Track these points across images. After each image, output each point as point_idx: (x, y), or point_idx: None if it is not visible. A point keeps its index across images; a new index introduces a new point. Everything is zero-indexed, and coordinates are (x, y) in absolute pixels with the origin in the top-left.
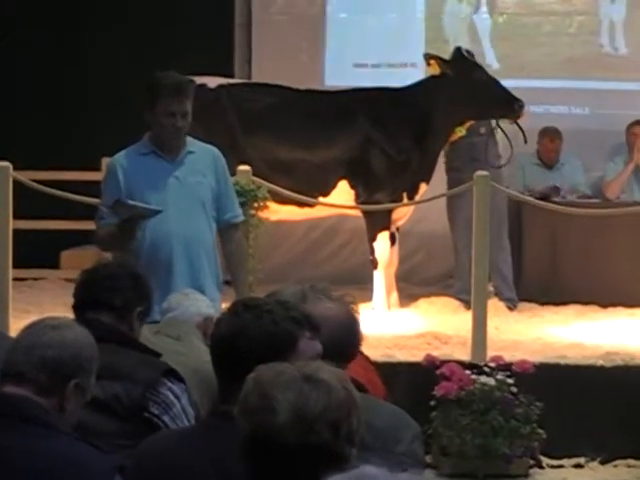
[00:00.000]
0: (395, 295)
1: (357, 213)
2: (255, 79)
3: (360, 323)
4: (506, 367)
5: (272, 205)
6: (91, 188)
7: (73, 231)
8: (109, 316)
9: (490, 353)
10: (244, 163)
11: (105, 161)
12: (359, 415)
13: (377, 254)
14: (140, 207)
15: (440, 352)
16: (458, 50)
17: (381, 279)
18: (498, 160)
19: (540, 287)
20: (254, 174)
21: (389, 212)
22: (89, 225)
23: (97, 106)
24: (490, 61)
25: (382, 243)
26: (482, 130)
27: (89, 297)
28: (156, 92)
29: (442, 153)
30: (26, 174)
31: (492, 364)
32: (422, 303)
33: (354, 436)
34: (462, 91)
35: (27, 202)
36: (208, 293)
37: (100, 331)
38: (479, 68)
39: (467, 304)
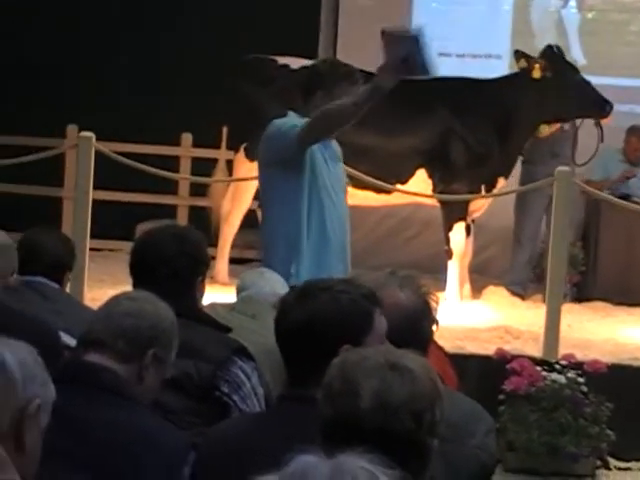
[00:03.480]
0: (468, 287)
1: (433, 203)
2: None
3: (434, 312)
4: (578, 366)
5: (350, 189)
6: (167, 162)
7: (149, 204)
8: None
9: (562, 351)
10: None
11: (186, 137)
12: (442, 406)
13: (452, 244)
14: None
15: (511, 346)
16: (550, 48)
17: (455, 270)
18: (576, 157)
19: (615, 287)
20: None
21: (466, 203)
22: (165, 199)
23: (177, 81)
24: (577, 57)
25: (458, 234)
26: (566, 127)
27: (144, 271)
28: (347, 76)
29: None
30: (106, 145)
31: (564, 362)
32: (495, 296)
33: (436, 427)
34: (554, 92)
35: (105, 173)
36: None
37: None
38: (572, 68)
39: (519, 296)
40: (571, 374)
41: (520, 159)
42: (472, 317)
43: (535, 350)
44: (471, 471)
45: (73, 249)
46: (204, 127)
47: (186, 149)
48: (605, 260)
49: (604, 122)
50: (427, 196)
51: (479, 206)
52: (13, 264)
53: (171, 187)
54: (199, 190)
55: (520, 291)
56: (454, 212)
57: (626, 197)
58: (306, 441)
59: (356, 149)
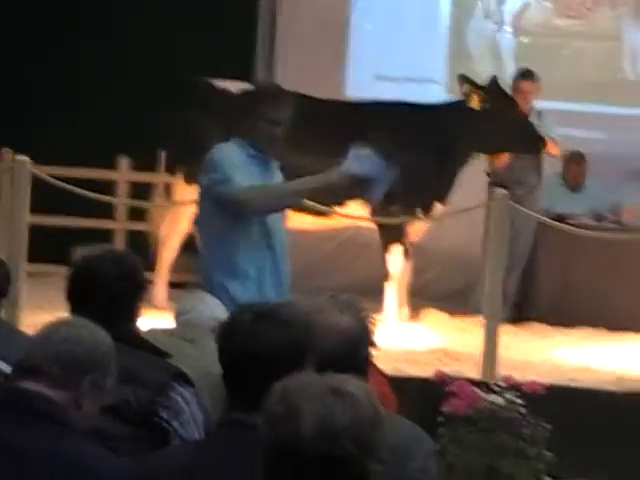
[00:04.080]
0: (406, 309)
1: (372, 226)
2: None
3: (373, 334)
4: (516, 387)
5: (290, 213)
6: (104, 186)
7: (86, 228)
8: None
9: (500, 372)
10: None
11: (123, 161)
12: (383, 430)
13: (390, 267)
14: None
15: (450, 369)
16: (495, 81)
17: (393, 292)
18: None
19: (551, 307)
20: None
21: (403, 226)
22: (102, 223)
23: (114, 106)
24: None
25: (396, 256)
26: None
27: (83, 296)
28: (260, 100)
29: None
30: (42, 169)
31: (502, 383)
32: (433, 319)
33: (378, 451)
34: (492, 124)
35: (40, 197)
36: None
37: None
38: (515, 103)
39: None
40: (509, 395)
41: (488, 181)
42: (411, 340)
43: (474, 372)
44: None
45: (8, 274)
46: (141, 151)
47: (123, 173)
48: (542, 281)
49: (554, 153)
50: (365, 219)
51: (417, 229)
52: None
53: (108, 211)
54: (137, 214)
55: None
56: (391, 235)
57: (561, 219)
58: (249, 469)
59: (295, 171)
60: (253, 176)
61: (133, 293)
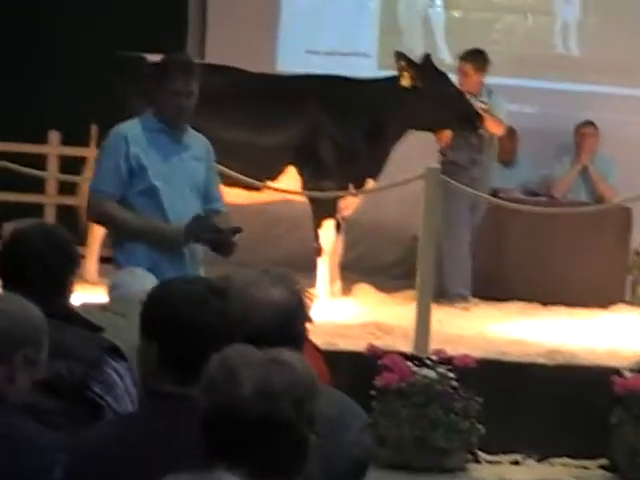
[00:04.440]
0: (338, 284)
1: (304, 200)
2: (208, 59)
3: (308, 308)
4: (448, 361)
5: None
6: (34, 160)
7: (16, 203)
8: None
9: (432, 346)
10: None
11: (53, 135)
12: (320, 402)
13: (322, 241)
14: (218, 232)
15: (382, 342)
16: (428, 58)
17: (325, 267)
18: (493, 161)
19: (483, 283)
20: None
21: (335, 200)
22: (32, 198)
23: (44, 79)
24: (443, 55)
25: (327, 231)
26: (486, 134)
27: (14, 270)
28: (163, 71)
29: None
30: None
31: (434, 357)
32: (365, 293)
33: (314, 421)
34: (425, 102)
35: None
36: (193, 271)
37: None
38: (448, 81)
39: (464, 303)
40: (441, 369)
41: (442, 160)
42: (343, 314)
43: (406, 346)
44: (347, 467)
45: None
46: (72, 125)
47: (54, 147)
48: (475, 255)
49: (495, 131)
50: (297, 193)
51: (349, 204)
52: None
53: (39, 186)
54: (67, 189)
55: (465, 295)
56: (323, 209)
57: (494, 193)
58: (183, 439)
59: (226, 145)
60: (160, 148)
61: (65, 267)
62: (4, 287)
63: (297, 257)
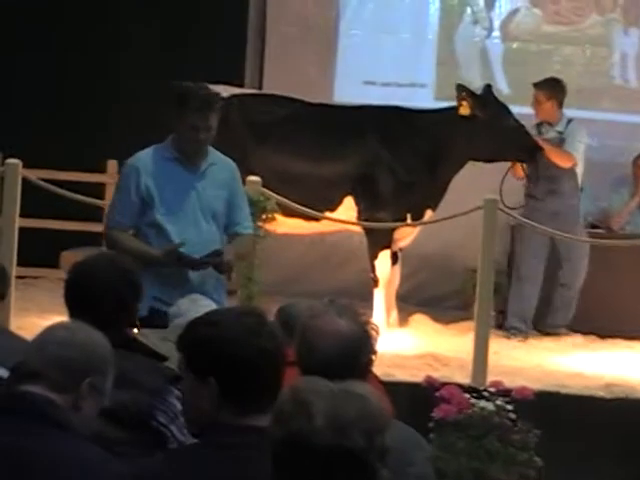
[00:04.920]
0: (395, 314)
1: (360, 230)
2: (266, 90)
3: (373, 340)
4: (506, 393)
5: (279, 217)
6: (92, 190)
7: (74, 231)
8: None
9: (489, 378)
10: (252, 174)
11: (112, 164)
12: (390, 434)
13: (378, 272)
14: (196, 260)
15: (440, 374)
16: (489, 89)
17: (381, 297)
18: (577, 192)
19: (540, 315)
20: (263, 185)
21: (391, 231)
22: (89, 227)
23: (104, 109)
24: (501, 86)
25: (383, 261)
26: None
27: (82, 299)
28: (184, 103)
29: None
30: (32, 172)
31: (492, 389)
32: (422, 324)
33: (385, 454)
34: (487, 134)
35: (28, 200)
36: (214, 299)
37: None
38: (509, 112)
39: (522, 334)
40: (499, 401)
41: (524, 193)
42: (400, 345)
43: (463, 377)
44: None
45: (8, 277)
46: (130, 155)
47: (112, 176)
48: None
49: (563, 164)
50: (354, 224)
51: (405, 234)
52: None
53: (97, 214)
54: None
55: (522, 329)
56: (379, 240)
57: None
58: (245, 472)
59: (286, 176)
60: (173, 179)
61: (132, 297)
62: (71, 316)
63: (355, 287)
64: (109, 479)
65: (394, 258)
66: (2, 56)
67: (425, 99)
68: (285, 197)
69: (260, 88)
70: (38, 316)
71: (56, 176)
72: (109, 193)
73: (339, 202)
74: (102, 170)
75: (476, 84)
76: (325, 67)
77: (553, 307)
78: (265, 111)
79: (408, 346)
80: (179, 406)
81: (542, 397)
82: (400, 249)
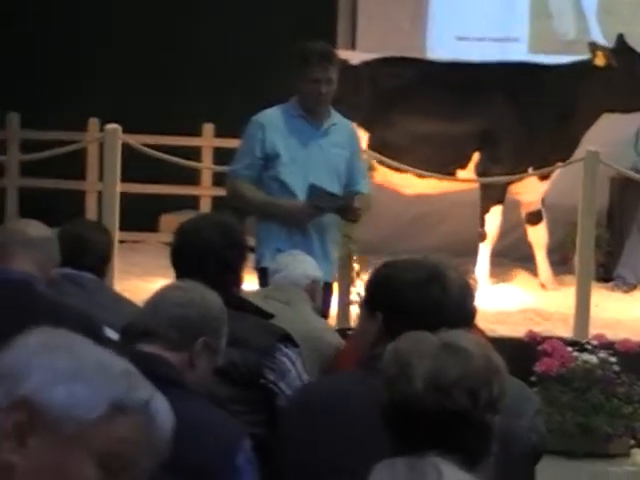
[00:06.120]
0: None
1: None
2: (358, 49)
3: (474, 289)
4: (609, 345)
5: (411, 179)
6: (189, 153)
7: (171, 195)
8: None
9: (592, 331)
10: (385, 139)
11: (207, 127)
12: (502, 382)
13: (487, 227)
14: (337, 198)
15: (541, 328)
16: (621, 39)
17: (487, 252)
18: None
19: None
20: (392, 146)
21: (504, 186)
22: (187, 190)
23: (201, 74)
24: (596, 37)
25: (494, 216)
26: None
27: (189, 262)
28: (303, 59)
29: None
30: (129, 137)
31: (594, 342)
32: (522, 279)
33: (496, 403)
34: (625, 83)
35: (127, 165)
36: (331, 256)
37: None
38: None
39: (628, 285)
40: (602, 354)
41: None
42: (502, 300)
43: (565, 331)
44: (522, 453)
45: (112, 241)
46: (225, 117)
47: (208, 139)
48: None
49: None
50: (484, 181)
51: (529, 189)
52: (55, 257)
53: (193, 178)
54: (222, 180)
55: (631, 280)
56: (492, 194)
57: None
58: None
59: (417, 136)
60: (299, 134)
61: (238, 258)
62: (178, 277)
63: (452, 244)
64: (225, 437)
65: (538, 216)
66: (99, 24)
67: (519, 53)
68: (419, 157)
69: (353, 46)
70: (140, 279)
71: (154, 140)
72: (206, 156)
73: (470, 159)
74: (198, 134)
75: (570, 36)
76: (418, 23)
77: None
78: (394, 74)
79: (509, 301)
80: (288, 363)
81: None
82: (543, 205)
